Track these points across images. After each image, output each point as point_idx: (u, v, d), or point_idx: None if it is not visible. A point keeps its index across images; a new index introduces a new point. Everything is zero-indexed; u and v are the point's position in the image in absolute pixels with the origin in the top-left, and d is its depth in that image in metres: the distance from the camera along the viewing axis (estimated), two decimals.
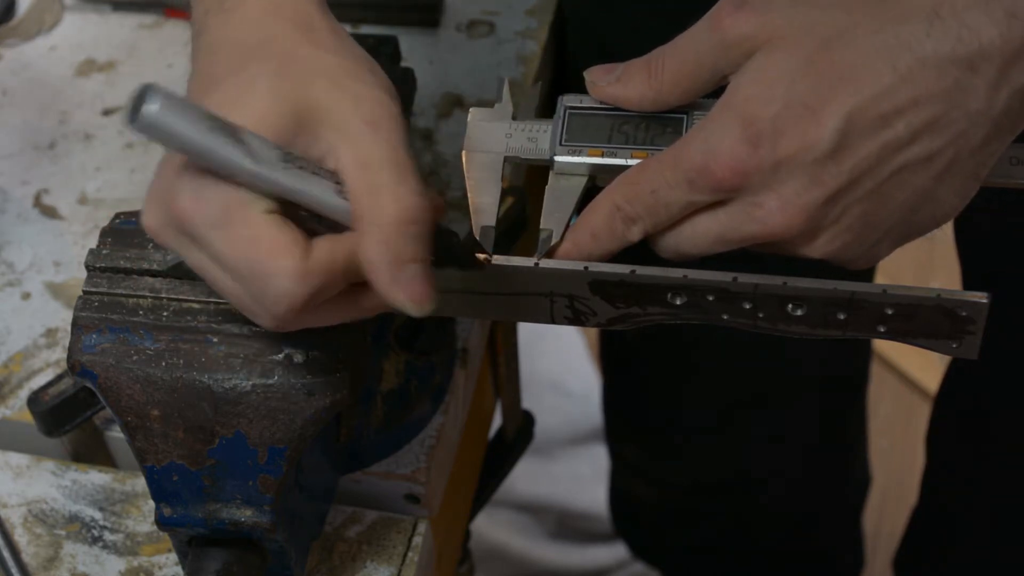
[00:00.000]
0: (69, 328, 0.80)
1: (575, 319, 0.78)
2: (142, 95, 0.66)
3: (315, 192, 0.70)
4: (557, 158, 0.78)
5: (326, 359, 0.77)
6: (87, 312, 0.79)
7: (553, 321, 0.78)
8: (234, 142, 0.68)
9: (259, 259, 0.69)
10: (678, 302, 0.76)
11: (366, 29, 1.08)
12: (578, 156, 0.78)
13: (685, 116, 0.76)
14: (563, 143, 0.78)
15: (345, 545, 0.89)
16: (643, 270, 0.75)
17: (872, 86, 0.70)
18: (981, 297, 0.73)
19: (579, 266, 0.75)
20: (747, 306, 0.75)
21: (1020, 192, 0.78)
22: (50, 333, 0.97)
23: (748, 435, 1.38)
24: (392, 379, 0.91)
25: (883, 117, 0.70)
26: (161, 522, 0.78)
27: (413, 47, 1.07)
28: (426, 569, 0.91)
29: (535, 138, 0.80)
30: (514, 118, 0.80)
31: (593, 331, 1.85)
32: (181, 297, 0.79)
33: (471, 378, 0.99)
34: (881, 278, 1.54)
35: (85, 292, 0.80)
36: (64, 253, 1.01)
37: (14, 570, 0.88)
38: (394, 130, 0.71)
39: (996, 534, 1.24)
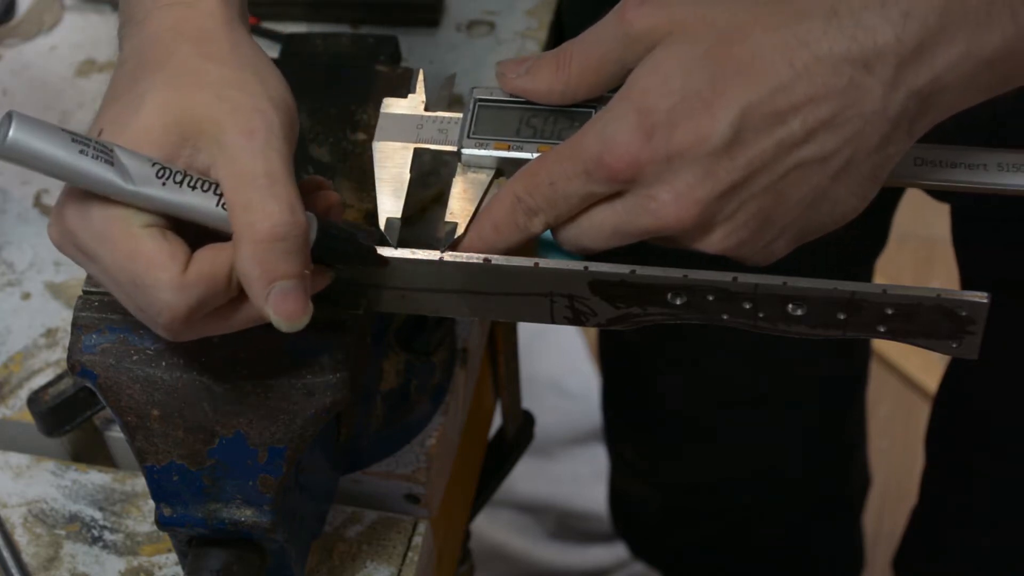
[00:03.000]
0: (69, 328, 0.80)
1: (575, 319, 0.78)
2: (4, 121, 0.67)
3: (193, 205, 0.71)
4: (464, 150, 0.79)
5: (326, 359, 0.77)
6: (87, 312, 0.79)
7: (553, 321, 0.78)
8: (103, 162, 0.69)
9: (137, 272, 0.70)
10: (678, 302, 0.76)
11: (366, 29, 1.08)
12: (484, 149, 0.78)
13: (593, 110, 0.77)
14: (471, 135, 0.79)
15: (345, 545, 0.89)
16: (643, 270, 0.75)
17: (768, 82, 0.71)
18: (981, 297, 0.73)
19: (579, 266, 0.75)
20: (747, 306, 0.75)
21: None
22: (50, 333, 0.97)
23: (747, 435, 1.38)
24: (392, 379, 0.91)
25: (778, 113, 0.71)
26: (161, 522, 0.78)
27: (413, 47, 1.07)
28: (426, 569, 0.91)
29: (445, 129, 0.80)
30: (426, 109, 0.81)
31: (593, 331, 1.85)
32: None
33: (471, 378, 0.99)
34: (881, 278, 1.54)
35: (85, 292, 0.80)
36: None
37: (14, 570, 0.88)
38: (269, 141, 0.71)
39: (996, 534, 1.24)
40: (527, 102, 0.78)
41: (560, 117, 0.78)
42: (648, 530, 1.60)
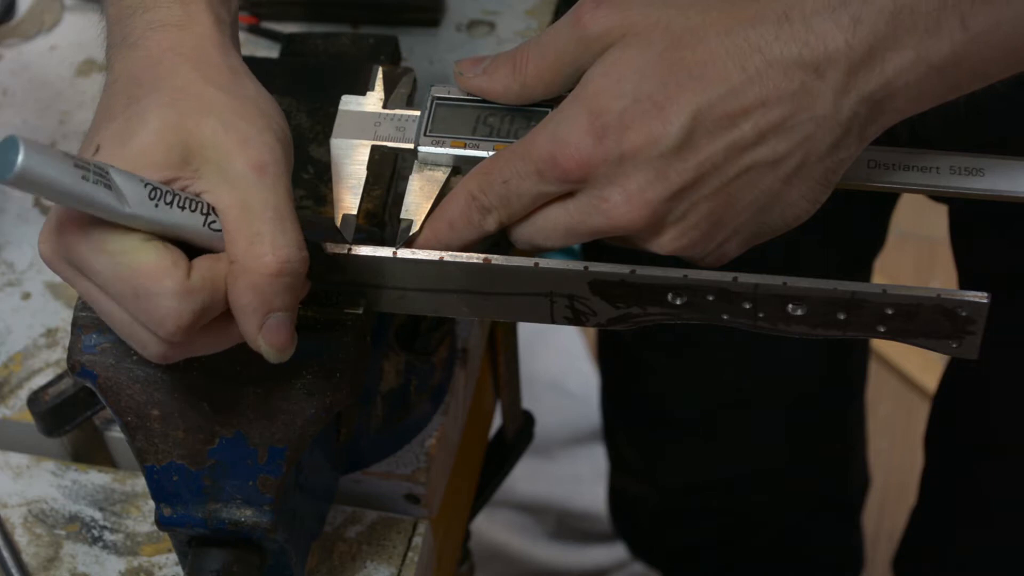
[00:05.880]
0: (69, 328, 0.80)
1: (575, 319, 0.78)
2: (7, 147, 0.67)
3: (183, 225, 0.71)
4: (420, 148, 0.79)
5: (326, 359, 0.77)
6: (87, 312, 0.79)
7: (553, 321, 0.78)
8: (102, 186, 0.69)
9: (142, 282, 0.70)
10: (678, 302, 0.76)
11: (366, 29, 1.08)
12: (441, 147, 0.79)
13: (550, 110, 0.77)
14: (428, 133, 0.79)
15: (345, 545, 0.89)
16: (643, 270, 0.75)
17: (720, 85, 0.72)
18: (981, 297, 0.73)
19: (579, 266, 0.76)
20: (747, 306, 0.75)
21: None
22: (50, 333, 0.97)
23: (747, 435, 1.38)
24: (392, 379, 0.91)
25: (730, 116, 0.72)
26: (161, 522, 0.78)
27: (413, 47, 1.07)
28: (426, 569, 0.91)
29: (403, 127, 0.80)
30: (385, 107, 0.81)
31: (593, 331, 1.85)
32: None
33: (471, 378, 0.99)
34: (881, 278, 1.54)
35: None
36: None
37: (14, 570, 0.88)
38: (279, 176, 0.71)
39: (995, 534, 1.24)
40: (484, 101, 0.79)
41: (517, 116, 0.79)
42: (648, 530, 1.60)
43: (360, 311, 0.78)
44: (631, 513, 1.60)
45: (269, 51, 1.07)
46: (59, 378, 0.91)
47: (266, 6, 1.08)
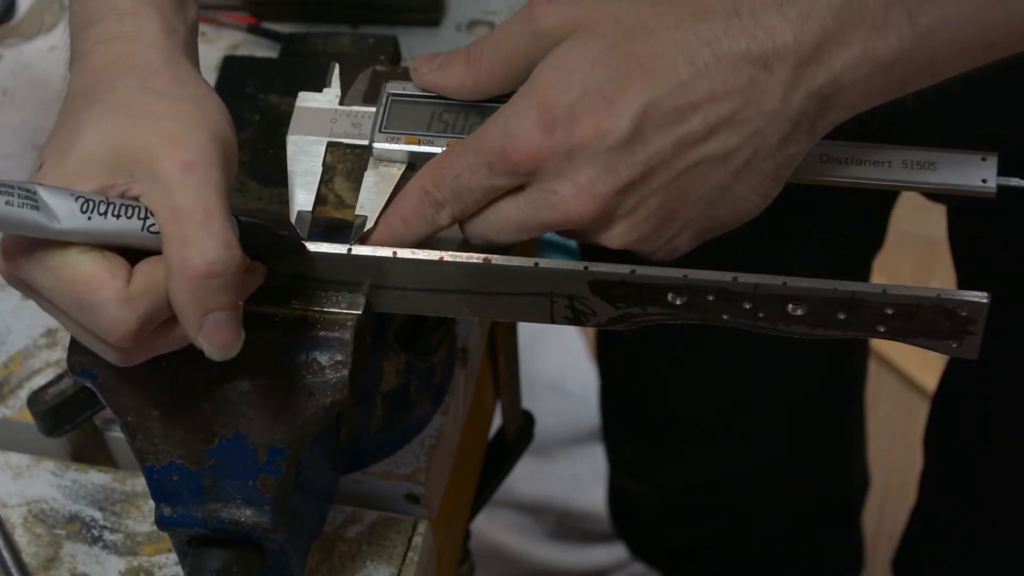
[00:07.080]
0: None
1: (575, 319, 0.78)
2: None
3: (119, 232, 0.71)
4: (375, 144, 0.79)
5: (326, 359, 0.77)
6: None
7: (553, 321, 0.79)
8: (29, 208, 0.69)
9: (83, 295, 0.70)
10: (678, 302, 0.76)
11: (366, 29, 1.08)
12: (395, 143, 0.79)
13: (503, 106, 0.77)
14: (382, 130, 0.80)
15: (345, 545, 0.89)
16: (643, 270, 0.75)
17: (669, 79, 0.72)
18: (981, 297, 0.74)
19: (579, 266, 0.76)
20: (747, 306, 0.75)
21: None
22: (50, 333, 0.97)
23: (746, 435, 1.38)
24: (392, 379, 0.91)
25: (679, 110, 0.72)
26: (161, 522, 0.78)
27: (413, 47, 1.07)
28: (426, 569, 0.91)
29: (359, 123, 0.81)
30: (342, 103, 0.81)
31: (593, 331, 1.84)
32: None
33: (471, 378, 0.99)
34: (881, 278, 1.54)
35: None
36: None
37: (14, 570, 0.88)
38: (207, 174, 0.70)
39: (995, 534, 1.24)
40: (440, 97, 0.79)
41: (471, 112, 0.79)
42: (648, 530, 1.60)
43: (360, 311, 0.78)
44: (631, 513, 1.60)
45: (269, 51, 1.07)
46: (59, 378, 0.91)
47: (266, 6, 1.08)
